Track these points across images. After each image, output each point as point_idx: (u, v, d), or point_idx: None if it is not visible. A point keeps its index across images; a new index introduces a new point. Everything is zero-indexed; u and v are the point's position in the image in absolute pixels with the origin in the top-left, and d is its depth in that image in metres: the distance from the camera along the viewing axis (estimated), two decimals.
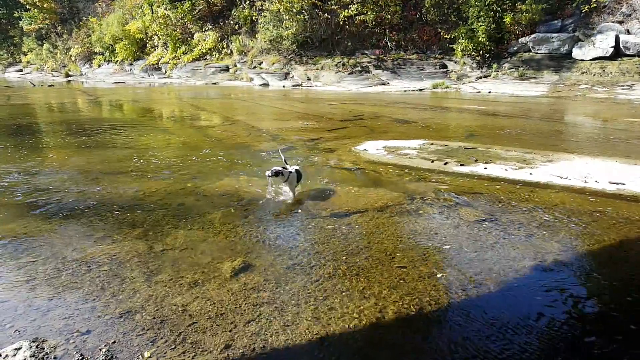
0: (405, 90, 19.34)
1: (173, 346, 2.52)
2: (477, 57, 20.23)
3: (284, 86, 22.16)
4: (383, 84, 20.81)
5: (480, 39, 19.40)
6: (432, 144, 7.78)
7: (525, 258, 3.53)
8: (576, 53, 18.91)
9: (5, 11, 38.74)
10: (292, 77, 23.02)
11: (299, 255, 3.62)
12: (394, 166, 6.44)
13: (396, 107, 14.07)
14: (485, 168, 6.11)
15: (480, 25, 19.18)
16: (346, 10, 21.58)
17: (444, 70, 20.99)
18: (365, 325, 2.72)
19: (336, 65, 22.07)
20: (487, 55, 19.97)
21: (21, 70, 36.93)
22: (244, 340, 2.57)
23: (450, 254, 3.63)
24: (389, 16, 21.58)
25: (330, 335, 2.62)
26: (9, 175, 6.10)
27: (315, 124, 10.49)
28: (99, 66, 31.28)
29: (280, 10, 22.37)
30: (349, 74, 21.52)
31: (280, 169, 4.92)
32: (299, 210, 4.71)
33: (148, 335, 2.61)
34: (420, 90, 19.36)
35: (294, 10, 22.18)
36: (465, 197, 5.02)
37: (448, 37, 20.90)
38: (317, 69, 22.55)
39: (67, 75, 31.32)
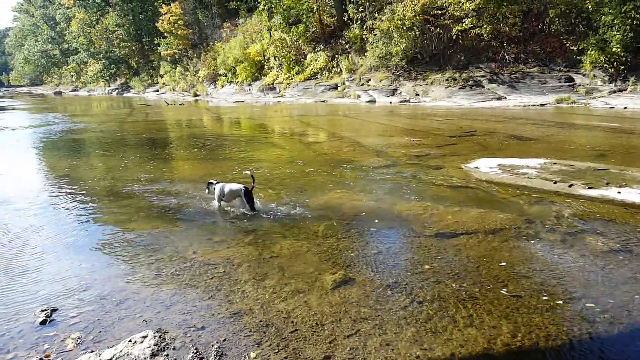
0: (524, 105, 18.11)
1: (276, 350, 2.62)
2: (610, 70, 18.22)
3: (390, 102, 22.12)
4: (499, 98, 19.70)
5: (614, 49, 17.47)
6: (554, 163, 7.15)
7: None
8: None
9: (148, 39, 44.39)
10: (400, 93, 22.88)
11: (401, 274, 3.55)
12: (509, 186, 6.03)
13: (513, 122, 13.21)
14: (619, 192, 5.44)
15: (615, 35, 17.29)
16: (460, 24, 20.94)
17: (570, 83, 19.24)
18: (471, 355, 2.56)
19: (447, 80, 21.44)
20: (623, 67, 17.89)
21: (157, 91, 41.77)
22: (342, 354, 2.58)
23: (574, 286, 3.28)
24: (507, 28, 20.47)
25: None
26: (144, 183, 6.89)
27: (422, 140, 10.28)
28: (222, 87, 34.15)
29: (390, 28, 22.45)
30: (459, 88, 20.76)
31: (212, 181, 5.51)
32: (402, 228, 4.63)
33: (255, 337, 2.75)
34: (542, 105, 17.98)
35: (405, 27, 22.11)
36: (594, 223, 4.52)
37: (575, 48, 19.18)
38: (426, 84, 22.13)
39: (195, 95, 34.69)
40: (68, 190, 6.49)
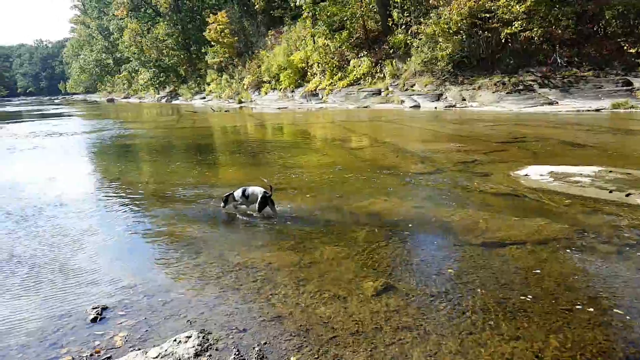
0: (577, 111, 17.31)
1: (316, 356, 2.60)
2: None
3: (435, 107, 21.75)
4: (550, 103, 18.93)
5: None
6: (610, 171, 6.77)
7: None
8: None
9: (195, 47, 45.98)
10: (445, 98, 22.45)
11: (445, 283, 3.46)
12: (561, 195, 5.77)
13: (566, 128, 12.65)
14: None
15: None
16: (509, 27, 20.32)
17: (628, 88, 18.22)
18: None
19: (495, 84, 20.83)
20: None
21: (204, 98, 43.08)
22: None
23: (631, 302, 3.09)
24: (559, 31, 19.69)
25: None
26: (189, 187, 7.09)
27: (468, 146, 10.03)
28: (266, 93, 34.79)
29: (436, 33, 22.11)
30: (508, 93, 20.11)
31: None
32: (446, 236, 4.52)
33: (295, 341, 2.75)
34: (597, 110, 17.13)
35: (451, 31, 21.72)
36: None
37: (634, 50, 18.19)
38: (473, 89, 21.60)
39: (240, 102, 35.49)
40: (119, 194, 6.77)
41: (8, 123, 23.97)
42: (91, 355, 2.69)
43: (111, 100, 59.74)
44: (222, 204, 5.49)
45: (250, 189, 5.39)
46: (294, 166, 8.60)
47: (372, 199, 5.93)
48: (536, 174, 6.86)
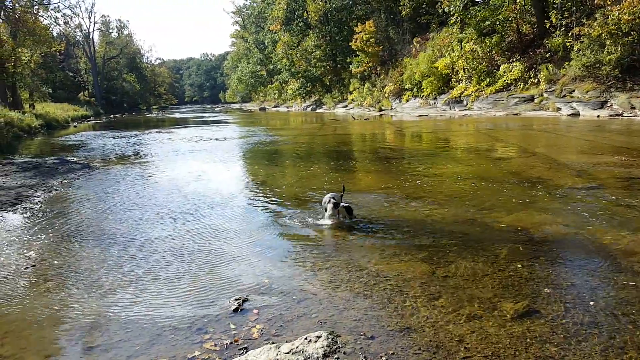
0: None
1: None
2: None
3: (598, 116, 19.18)
4: None
5: None
6: None
7: None
8: None
9: (341, 58, 47.70)
10: (611, 105, 19.64)
11: (598, 313, 3.05)
12: None
13: None
14: None
15: None
16: None
17: None
18: None
19: None
20: None
21: (346, 106, 44.38)
22: None
23: None
24: None
25: None
26: (327, 192, 7.36)
27: (636, 160, 8.65)
28: (407, 101, 34.48)
29: (602, 35, 19.52)
30: None
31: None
32: (604, 261, 3.97)
33: (424, 356, 2.68)
34: None
35: (620, 33, 18.97)
36: None
37: None
38: None
39: (380, 110, 35.75)
40: (265, 196, 7.32)
41: (177, 128, 27.75)
42: (230, 343, 2.94)
43: (263, 109, 65.03)
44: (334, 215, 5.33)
45: (325, 197, 5.33)
46: (435, 175, 8.36)
47: (517, 213, 5.49)
48: None
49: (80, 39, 62.90)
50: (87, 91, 61.56)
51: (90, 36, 62.34)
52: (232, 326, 3.14)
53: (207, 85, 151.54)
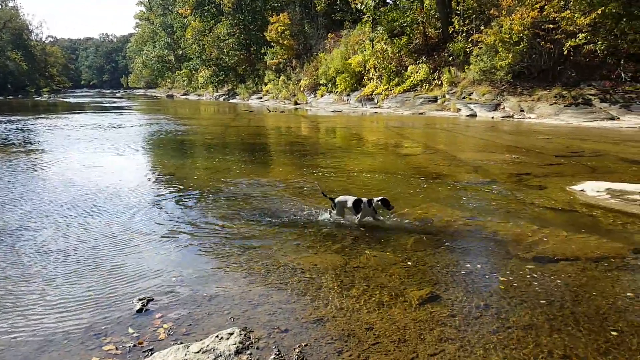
0: None
1: None
2: None
3: (492, 117, 21.07)
4: (611, 118, 17.86)
5: None
6: None
7: None
8: None
9: (255, 48, 47.02)
10: (503, 108, 21.70)
11: (492, 296, 3.38)
12: (617, 213, 5.48)
13: (627, 145, 11.89)
14: None
15: None
16: (573, 40, 19.34)
17: None
18: None
19: (555, 96, 19.90)
20: None
21: (261, 98, 43.97)
22: None
23: None
24: (625, 45, 18.52)
25: None
26: (241, 185, 7.28)
27: (524, 158, 9.65)
28: (322, 96, 35.02)
29: (497, 42, 21.43)
30: (567, 106, 19.14)
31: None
32: (496, 248, 4.40)
33: (336, 345, 2.77)
34: None
35: (512, 41, 20.97)
36: None
37: None
38: (532, 100, 20.72)
39: (295, 104, 35.94)
40: (173, 189, 7.05)
41: (72, 114, 25.56)
42: (134, 346, 2.78)
43: (170, 97, 62.17)
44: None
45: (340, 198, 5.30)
46: (346, 170, 8.62)
47: (421, 206, 5.85)
48: (593, 189, 6.54)
49: None
50: None
51: None
52: (135, 328, 2.97)
53: (107, 68, 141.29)
